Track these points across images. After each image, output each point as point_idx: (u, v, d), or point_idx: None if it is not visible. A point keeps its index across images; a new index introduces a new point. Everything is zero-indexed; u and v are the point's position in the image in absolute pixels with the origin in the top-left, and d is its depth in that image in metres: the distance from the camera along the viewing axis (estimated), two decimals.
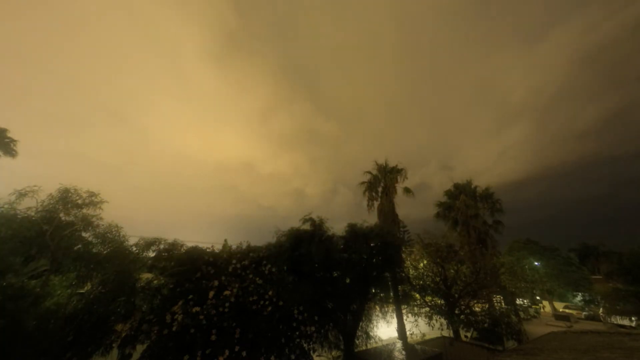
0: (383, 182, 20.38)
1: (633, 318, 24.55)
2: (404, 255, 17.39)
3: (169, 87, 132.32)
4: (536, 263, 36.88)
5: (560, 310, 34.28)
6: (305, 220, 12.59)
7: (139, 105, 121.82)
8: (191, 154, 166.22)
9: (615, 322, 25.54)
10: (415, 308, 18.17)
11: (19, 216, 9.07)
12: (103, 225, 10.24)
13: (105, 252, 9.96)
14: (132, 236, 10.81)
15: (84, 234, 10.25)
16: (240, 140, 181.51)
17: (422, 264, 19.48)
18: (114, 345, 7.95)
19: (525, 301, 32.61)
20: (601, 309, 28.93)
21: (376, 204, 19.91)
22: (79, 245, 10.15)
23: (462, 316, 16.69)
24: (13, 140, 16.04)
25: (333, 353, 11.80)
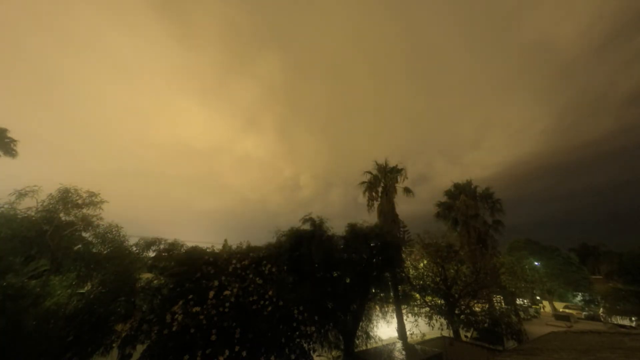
0: (383, 182, 20.38)
1: (633, 318, 24.56)
2: (404, 255, 17.39)
3: (114, 49, 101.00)
4: (536, 263, 36.90)
5: (560, 310, 34.28)
6: (305, 220, 12.59)
7: (78, 63, 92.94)
8: (150, 134, 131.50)
9: (615, 322, 25.54)
10: (415, 308, 18.17)
11: (19, 216, 9.09)
12: (103, 225, 10.26)
13: (105, 252, 9.98)
14: (132, 236, 10.84)
15: (84, 234, 10.26)
16: (201, 117, 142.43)
17: (422, 264, 19.50)
18: (114, 345, 7.97)
19: (525, 301, 32.66)
20: (601, 309, 28.94)
21: (376, 204, 19.91)
22: (79, 245, 10.17)
23: (462, 316, 16.70)
24: (13, 140, 16.05)
25: (333, 353, 11.80)
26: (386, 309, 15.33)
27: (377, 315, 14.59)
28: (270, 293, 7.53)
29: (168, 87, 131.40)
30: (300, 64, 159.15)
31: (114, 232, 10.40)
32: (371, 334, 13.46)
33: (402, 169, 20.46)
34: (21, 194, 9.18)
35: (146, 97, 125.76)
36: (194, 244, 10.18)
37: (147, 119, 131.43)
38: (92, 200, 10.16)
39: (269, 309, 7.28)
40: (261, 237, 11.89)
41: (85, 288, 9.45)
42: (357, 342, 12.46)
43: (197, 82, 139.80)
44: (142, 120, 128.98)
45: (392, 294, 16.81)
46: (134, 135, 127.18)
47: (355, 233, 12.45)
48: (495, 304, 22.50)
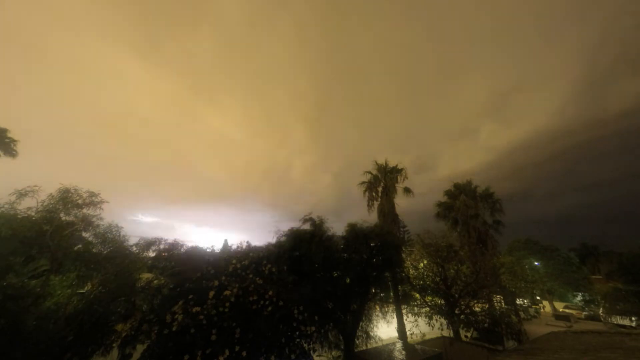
0: (383, 182, 20.42)
1: (633, 318, 24.54)
2: (404, 255, 17.39)
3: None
4: (536, 263, 36.89)
5: (560, 310, 34.27)
6: (305, 220, 12.61)
7: None
8: (95, 104, 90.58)
9: (615, 322, 25.53)
10: (415, 308, 18.17)
11: (19, 216, 9.09)
12: (103, 225, 10.26)
13: (105, 252, 9.99)
14: (132, 236, 10.85)
15: (84, 234, 10.27)
16: (148, 82, 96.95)
17: (422, 264, 19.49)
18: (114, 345, 7.98)
19: (525, 301, 32.65)
20: (601, 309, 28.93)
21: (376, 203, 19.94)
22: (79, 245, 10.18)
23: (462, 316, 16.69)
24: (13, 140, 16.05)
25: (333, 353, 11.80)
26: (386, 309, 15.33)
27: (377, 315, 14.60)
28: (270, 293, 7.53)
29: (103, 39, 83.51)
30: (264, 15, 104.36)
31: (114, 232, 10.41)
32: (371, 334, 13.47)
33: (402, 169, 20.60)
34: (21, 194, 9.18)
35: (83, 52, 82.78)
36: (193, 244, 10.19)
37: (87, 84, 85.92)
38: (92, 200, 10.16)
39: (269, 309, 7.28)
40: (252, 234, 11.70)
41: (85, 288, 9.46)
42: (357, 342, 12.46)
43: (133, 31, 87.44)
44: (82, 86, 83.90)
45: (392, 294, 16.81)
46: (78, 106, 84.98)
47: (355, 233, 12.46)
48: (495, 304, 22.50)
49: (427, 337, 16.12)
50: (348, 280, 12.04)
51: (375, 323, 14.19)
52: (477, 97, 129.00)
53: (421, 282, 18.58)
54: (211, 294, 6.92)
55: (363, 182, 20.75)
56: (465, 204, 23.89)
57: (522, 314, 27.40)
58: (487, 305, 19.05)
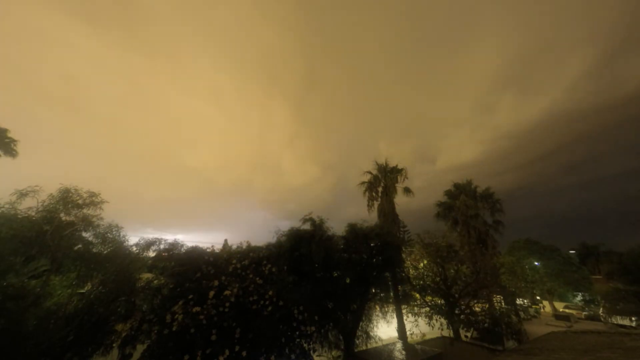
0: (383, 182, 20.42)
1: (633, 318, 24.54)
2: (404, 255, 17.40)
3: None
4: (536, 263, 36.86)
5: (561, 310, 34.27)
6: (305, 220, 12.61)
7: None
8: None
9: (615, 322, 25.53)
10: (415, 308, 18.18)
11: (19, 216, 9.09)
12: (103, 225, 10.26)
13: (105, 252, 9.99)
14: (133, 236, 10.84)
15: (84, 234, 10.27)
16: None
17: (422, 264, 19.50)
18: (114, 345, 7.98)
19: (525, 301, 32.64)
20: (601, 309, 28.92)
21: (376, 203, 19.94)
22: (79, 245, 10.17)
23: (462, 316, 16.69)
24: (13, 140, 16.04)
25: (333, 353, 11.80)
26: (386, 309, 15.33)
27: (377, 315, 14.59)
28: (270, 293, 7.53)
29: None
30: None
31: (114, 232, 10.41)
32: (371, 334, 13.46)
33: (402, 169, 20.58)
34: (22, 194, 9.18)
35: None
36: (193, 244, 10.20)
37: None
38: (93, 201, 10.17)
39: (269, 309, 7.28)
40: (252, 234, 11.71)
41: (85, 288, 9.46)
42: (357, 342, 12.46)
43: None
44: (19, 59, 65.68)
45: (392, 294, 16.81)
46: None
47: (355, 233, 12.47)
48: (495, 304, 22.50)
49: (427, 337, 16.11)
50: (348, 280, 12.04)
51: (375, 323, 14.18)
52: (489, 67, 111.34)
53: (421, 282, 18.58)
54: (211, 294, 6.92)
55: (363, 182, 20.76)
56: (465, 204, 23.90)
57: (522, 314, 27.39)
58: (487, 305, 19.05)
